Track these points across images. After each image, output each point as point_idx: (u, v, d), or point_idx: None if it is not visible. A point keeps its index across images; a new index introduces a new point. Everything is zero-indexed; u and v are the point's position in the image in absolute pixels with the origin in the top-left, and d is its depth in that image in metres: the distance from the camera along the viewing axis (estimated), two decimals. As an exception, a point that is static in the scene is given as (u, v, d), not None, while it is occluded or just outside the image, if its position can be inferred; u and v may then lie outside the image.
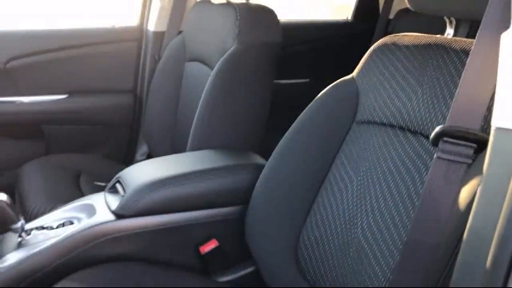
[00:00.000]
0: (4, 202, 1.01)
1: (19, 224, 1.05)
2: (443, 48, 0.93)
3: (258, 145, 1.42)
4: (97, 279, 0.98)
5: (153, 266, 1.08)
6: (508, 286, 0.50)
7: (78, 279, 0.97)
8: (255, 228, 1.12)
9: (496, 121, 0.52)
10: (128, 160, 1.98)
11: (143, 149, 1.89)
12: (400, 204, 0.89)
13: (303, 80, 2.22)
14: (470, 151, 0.63)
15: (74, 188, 1.53)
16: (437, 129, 0.64)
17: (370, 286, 0.85)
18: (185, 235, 1.13)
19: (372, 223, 0.92)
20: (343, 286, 0.92)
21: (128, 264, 1.06)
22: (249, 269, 1.17)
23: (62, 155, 1.79)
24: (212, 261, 1.15)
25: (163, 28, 1.90)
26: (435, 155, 0.64)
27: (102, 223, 1.07)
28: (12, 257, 1.02)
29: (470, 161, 0.63)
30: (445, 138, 0.64)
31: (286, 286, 1.06)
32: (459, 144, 0.63)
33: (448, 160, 0.64)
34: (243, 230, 1.14)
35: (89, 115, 1.89)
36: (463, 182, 0.74)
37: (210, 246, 1.14)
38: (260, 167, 1.15)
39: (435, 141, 0.64)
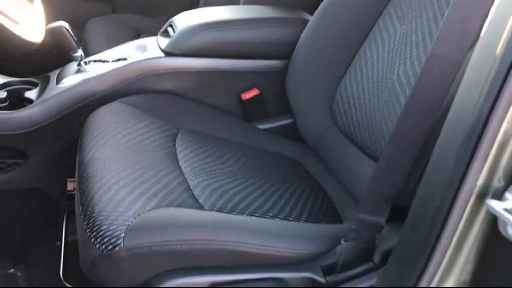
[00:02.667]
0: (64, 27, 1.09)
1: (78, 53, 1.14)
2: None
3: (311, 8, 1.39)
4: (145, 103, 1.06)
5: (197, 103, 1.15)
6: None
7: (127, 101, 1.05)
8: (295, 81, 1.14)
9: None
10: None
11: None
12: (440, 49, 0.87)
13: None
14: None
15: (133, 43, 1.61)
16: None
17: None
18: (228, 81, 1.18)
19: (409, 69, 0.91)
20: (373, 130, 0.94)
21: (174, 97, 1.13)
22: (287, 121, 1.20)
23: (126, 15, 1.86)
24: (252, 108, 1.19)
25: None
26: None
27: (150, 59, 1.13)
28: (71, 80, 1.12)
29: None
30: None
31: (320, 136, 1.09)
32: None
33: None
34: (285, 84, 1.17)
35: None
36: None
37: (251, 93, 1.18)
38: (307, 23, 1.15)
39: None
